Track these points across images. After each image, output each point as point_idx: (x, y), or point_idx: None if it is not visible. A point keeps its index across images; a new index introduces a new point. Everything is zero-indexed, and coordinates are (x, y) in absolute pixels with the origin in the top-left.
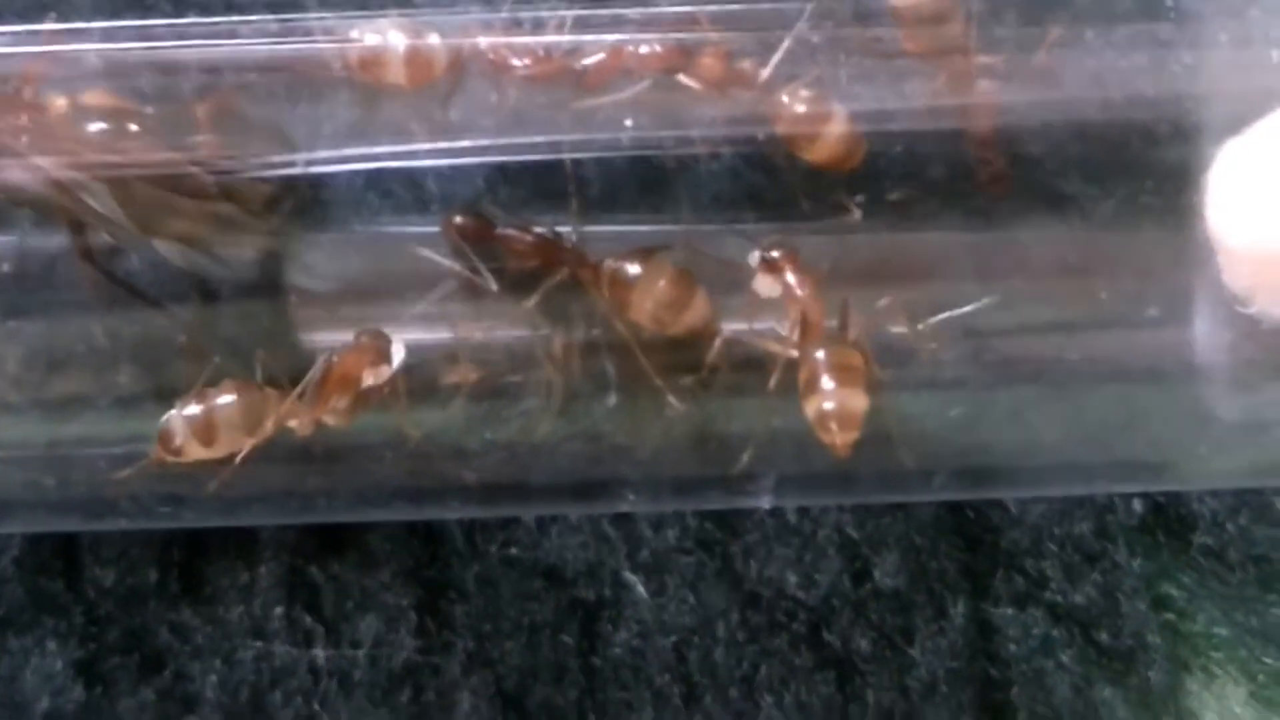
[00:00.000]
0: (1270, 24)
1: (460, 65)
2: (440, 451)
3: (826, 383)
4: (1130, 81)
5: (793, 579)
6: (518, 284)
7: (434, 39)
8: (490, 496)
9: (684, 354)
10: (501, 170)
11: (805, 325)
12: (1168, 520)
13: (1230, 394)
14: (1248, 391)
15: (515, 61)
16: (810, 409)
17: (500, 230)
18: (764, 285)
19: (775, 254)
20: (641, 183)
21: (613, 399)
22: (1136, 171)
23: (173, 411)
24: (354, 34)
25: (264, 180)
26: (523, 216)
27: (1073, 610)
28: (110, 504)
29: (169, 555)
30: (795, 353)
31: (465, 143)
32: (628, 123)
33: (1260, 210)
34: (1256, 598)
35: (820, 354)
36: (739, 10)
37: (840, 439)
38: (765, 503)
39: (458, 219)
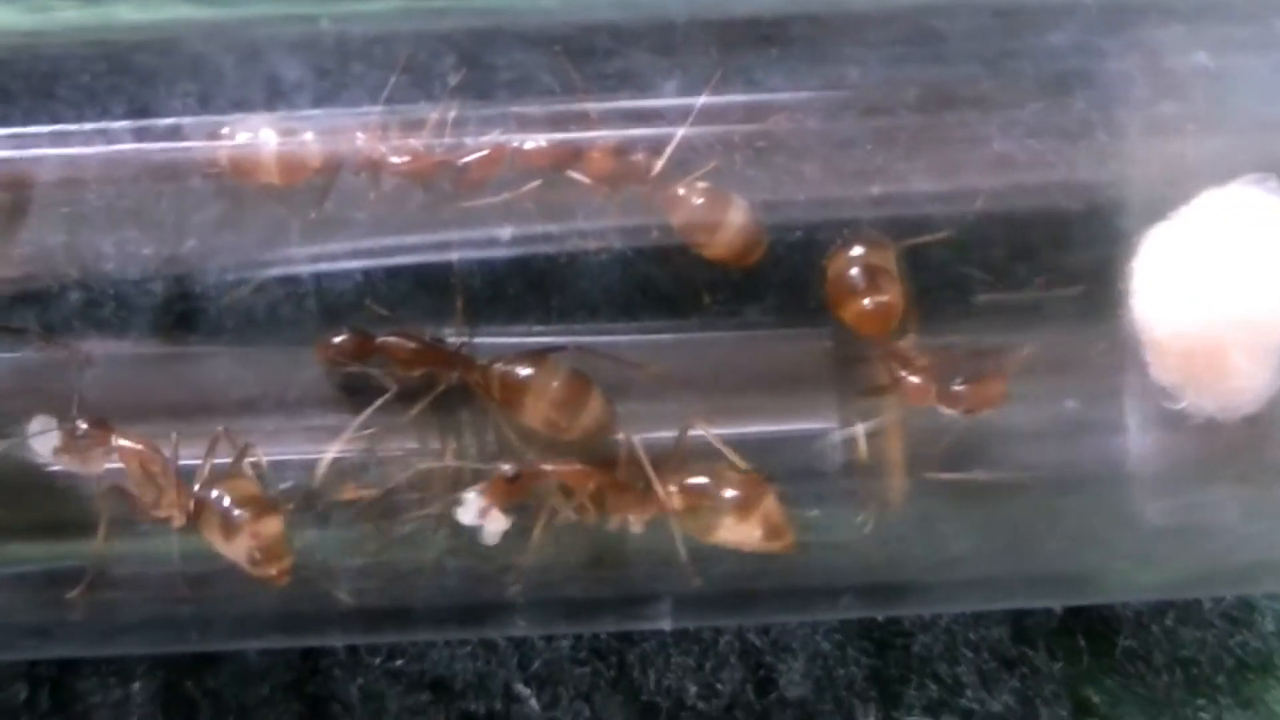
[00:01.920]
0: (1190, 105)
1: (335, 163)
2: (323, 574)
3: (731, 500)
4: (1047, 167)
5: (692, 689)
6: (405, 395)
7: (308, 137)
8: (373, 622)
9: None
10: (384, 271)
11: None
12: (1089, 622)
13: (1160, 497)
14: (1178, 494)
15: (393, 159)
16: (741, 533)
17: (381, 340)
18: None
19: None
20: (529, 283)
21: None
22: (1056, 262)
23: None
24: (225, 132)
25: None
26: (405, 322)
27: (989, 719)
28: None
29: (38, 670)
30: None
31: (341, 245)
32: (506, 230)
33: (1187, 299)
34: (1184, 702)
35: (728, 493)
36: (628, 106)
37: (784, 541)
38: (664, 625)
39: (334, 340)
